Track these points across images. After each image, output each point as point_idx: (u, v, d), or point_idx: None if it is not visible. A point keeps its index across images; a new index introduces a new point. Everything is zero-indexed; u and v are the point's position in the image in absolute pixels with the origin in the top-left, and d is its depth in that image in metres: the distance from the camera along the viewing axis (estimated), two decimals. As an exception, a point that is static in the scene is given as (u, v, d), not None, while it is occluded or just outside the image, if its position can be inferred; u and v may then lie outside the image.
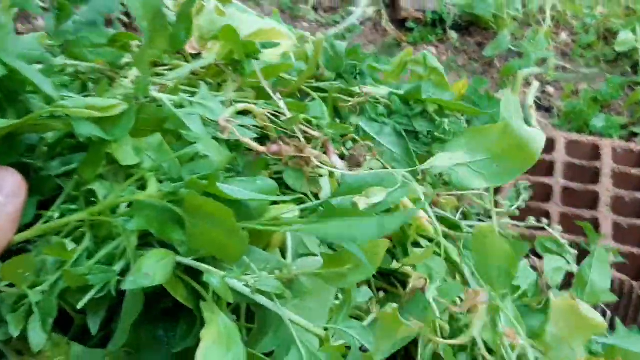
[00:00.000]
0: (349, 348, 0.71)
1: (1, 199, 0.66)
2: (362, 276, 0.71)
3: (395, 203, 0.76)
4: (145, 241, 0.69)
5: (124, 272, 0.68)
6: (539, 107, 2.50)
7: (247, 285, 0.67)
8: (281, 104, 0.84)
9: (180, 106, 0.80)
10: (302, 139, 0.82)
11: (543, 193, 1.82)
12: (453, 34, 2.85)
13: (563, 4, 2.91)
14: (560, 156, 1.92)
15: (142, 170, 0.73)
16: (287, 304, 0.70)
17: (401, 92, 0.94)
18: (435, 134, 0.89)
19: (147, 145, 0.75)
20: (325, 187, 0.82)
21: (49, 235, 0.68)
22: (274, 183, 0.71)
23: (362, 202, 0.72)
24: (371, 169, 0.82)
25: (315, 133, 0.83)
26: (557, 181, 1.85)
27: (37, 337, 0.64)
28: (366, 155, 0.83)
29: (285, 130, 0.83)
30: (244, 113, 0.83)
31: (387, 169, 0.84)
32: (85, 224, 0.67)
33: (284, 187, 0.80)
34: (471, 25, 2.88)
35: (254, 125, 0.83)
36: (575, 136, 2.01)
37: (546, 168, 1.89)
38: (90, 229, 0.68)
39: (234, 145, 0.81)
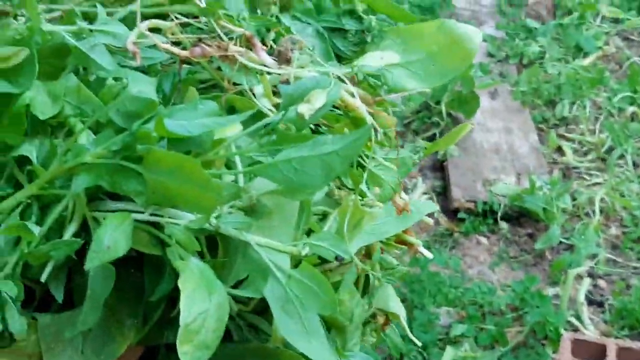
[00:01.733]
0: (321, 259, 0.71)
1: None
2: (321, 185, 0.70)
3: (335, 101, 0.74)
4: (94, 195, 0.64)
5: (78, 234, 0.64)
6: (591, 302, 2.54)
7: (210, 225, 0.64)
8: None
9: (80, 36, 0.72)
10: (225, 38, 0.77)
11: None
12: (504, 225, 2.86)
13: (611, 197, 2.96)
14: (612, 365, 1.89)
15: (65, 117, 0.68)
16: (251, 228, 0.68)
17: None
18: (364, 33, 0.85)
19: (62, 90, 0.68)
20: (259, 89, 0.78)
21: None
22: (214, 104, 0.67)
23: (306, 110, 0.70)
24: (301, 66, 0.78)
25: (237, 29, 0.78)
26: (611, 392, 1.82)
27: (18, 324, 0.60)
28: (293, 49, 0.79)
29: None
30: (154, 31, 0.76)
31: (316, 62, 0.81)
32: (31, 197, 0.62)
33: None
34: (522, 216, 2.89)
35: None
36: (627, 343, 1.99)
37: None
38: (35, 200, 0.62)
39: (149, 70, 0.75)
